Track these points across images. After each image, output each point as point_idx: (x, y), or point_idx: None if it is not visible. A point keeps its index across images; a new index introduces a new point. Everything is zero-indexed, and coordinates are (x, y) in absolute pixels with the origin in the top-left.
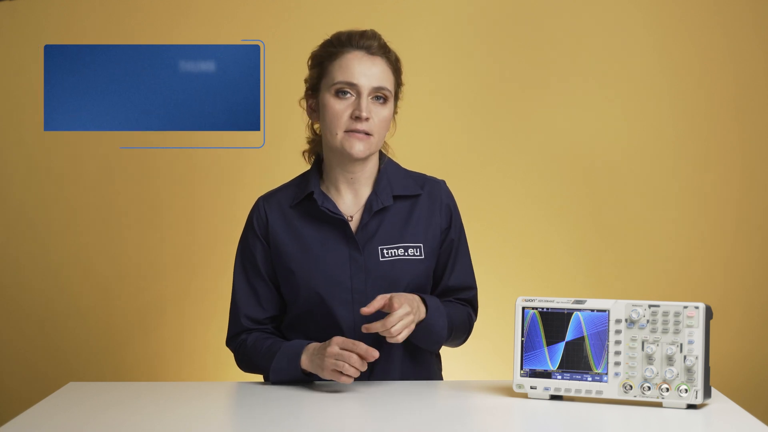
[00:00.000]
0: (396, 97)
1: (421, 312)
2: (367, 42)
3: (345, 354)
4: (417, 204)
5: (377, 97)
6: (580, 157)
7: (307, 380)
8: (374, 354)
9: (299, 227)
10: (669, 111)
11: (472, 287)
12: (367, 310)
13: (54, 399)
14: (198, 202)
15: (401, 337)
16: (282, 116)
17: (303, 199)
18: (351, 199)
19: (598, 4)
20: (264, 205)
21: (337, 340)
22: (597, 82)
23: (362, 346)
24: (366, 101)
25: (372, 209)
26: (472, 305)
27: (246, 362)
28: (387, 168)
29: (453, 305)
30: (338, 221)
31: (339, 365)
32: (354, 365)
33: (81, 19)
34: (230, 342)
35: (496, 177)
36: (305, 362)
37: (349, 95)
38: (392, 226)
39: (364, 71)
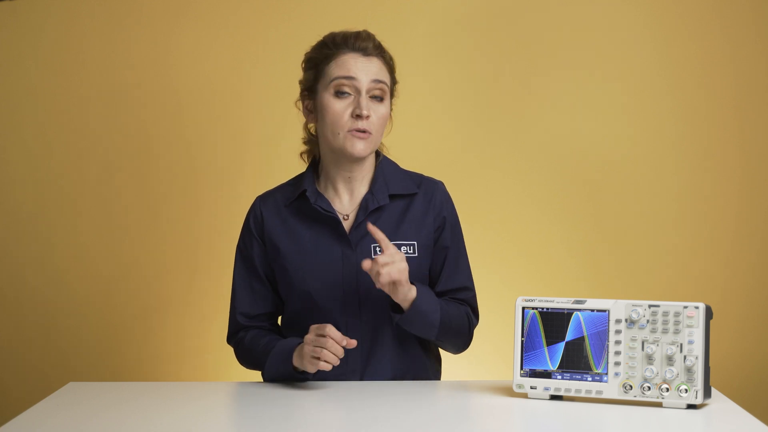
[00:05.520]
0: (392, 95)
1: (413, 291)
2: (363, 44)
3: (321, 340)
4: (412, 203)
5: (375, 97)
6: (580, 157)
7: (302, 378)
8: (351, 342)
9: (293, 225)
10: (669, 111)
11: (469, 288)
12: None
13: (54, 399)
14: (198, 202)
15: (384, 277)
16: (281, 116)
17: (297, 198)
18: (348, 199)
19: (598, 4)
20: (260, 204)
21: (312, 327)
22: (597, 82)
23: (336, 333)
24: (365, 99)
25: (368, 208)
26: (470, 305)
27: (244, 359)
28: (383, 167)
29: (448, 301)
30: (331, 219)
31: (317, 351)
32: (332, 351)
33: (81, 19)
34: (229, 339)
35: (496, 177)
36: (296, 360)
37: (347, 95)
38: (387, 225)
39: (361, 68)
